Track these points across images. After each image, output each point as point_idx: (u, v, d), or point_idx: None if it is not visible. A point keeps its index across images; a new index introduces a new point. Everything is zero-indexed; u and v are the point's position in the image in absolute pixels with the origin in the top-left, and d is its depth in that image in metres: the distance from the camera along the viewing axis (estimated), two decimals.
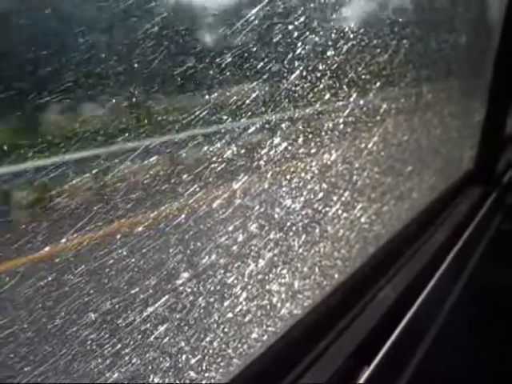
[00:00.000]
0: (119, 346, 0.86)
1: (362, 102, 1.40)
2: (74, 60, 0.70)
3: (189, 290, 0.97)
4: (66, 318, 0.78)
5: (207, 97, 0.90)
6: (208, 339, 1.03)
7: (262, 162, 1.06)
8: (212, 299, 1.02)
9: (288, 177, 1.17)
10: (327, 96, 1.22)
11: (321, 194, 1.29)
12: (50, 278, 0.74)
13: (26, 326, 0.74)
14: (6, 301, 0.72)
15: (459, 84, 2.41)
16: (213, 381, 1.03)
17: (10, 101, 0.64)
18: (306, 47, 1.09)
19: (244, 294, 1.09)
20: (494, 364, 1.68)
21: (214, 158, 0.94)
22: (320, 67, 1.16)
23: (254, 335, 1.15)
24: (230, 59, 0.91)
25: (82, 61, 0.71)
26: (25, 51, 0.66)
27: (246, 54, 0.95)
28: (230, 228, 1.02)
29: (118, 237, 0.83)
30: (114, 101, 0.77)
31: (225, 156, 0.96)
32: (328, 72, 1.19)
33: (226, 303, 1.05)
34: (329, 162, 1.31)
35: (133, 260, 0.86)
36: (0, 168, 0.66)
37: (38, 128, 0.71)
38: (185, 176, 0.90)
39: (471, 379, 1.61)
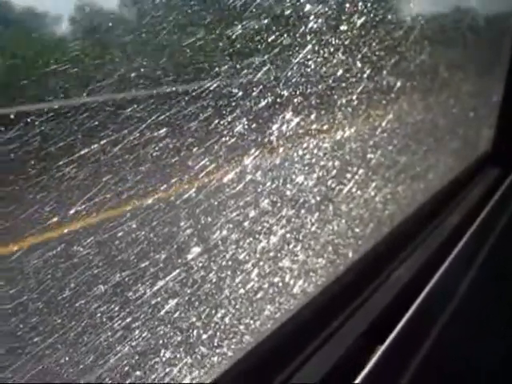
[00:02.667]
0: (129, 319, 0.86)
1: (376, 78, 1.38)
2: None
3: (200, 264, 0.96)
4: (76, 290, 0.78)
5: (217, 69, 0.89)
6: (219, 315, 1.03)
7: (273, 138, 1.05)
8: (223, 275, 1.02)
9: (300, 153, 1.16)
10: (340, 72, 1.21)
11: (334, 172, 1.28)
12: (58, 249, 0.74)
13: (36, 297, 0.74)
14: (16, 270, 0.72)
15: (477, 61, 2.37)
16: (223, 353, 1.03)
17: (17, 69, 0.64)
18: (319, 20, 1.07)
19: (256, 271, 1.09)
20: None
21: (225, 132, 0.93)
22: (333, 42, 1.15)
23: (266, 312, 1.15)
24: (240, 31, 0.90)
25: None
26: None
27: (256, 27, 0.94)
28: (242, 203, 1.02)
29: (128, 209, 0.83)
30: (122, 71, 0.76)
31: (236, 130, 0.95)
32: (341, 47, 1.17)
33: (238, 279, 1.05)
34: (342, 140, 1.30)
35: (143, 233, 0.85)
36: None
37: None
38: (195, 149, 0.90)
39: (488, 361, 1.60)
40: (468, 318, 1.61)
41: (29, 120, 0.66)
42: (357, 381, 1.11)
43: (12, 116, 0.65)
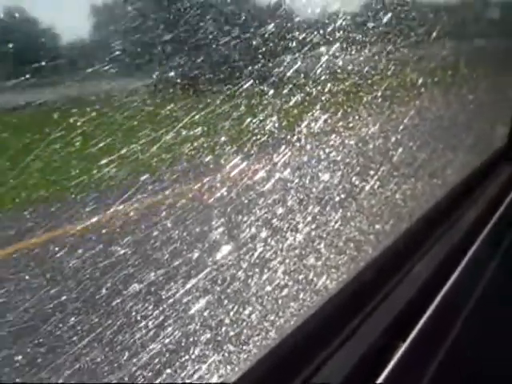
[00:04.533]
0: (162, 317, 0.86)
1: (399, 75, 1.38)
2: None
3: (229, 262, 0.96)
4: (112, 289, 0.78)
5: (250, 68, 0.89)
6: (247, 312, 1.03)
7: (302, 135, 1.05)
8: (251, 272, 1.02)
9: (327, 150, 1.16)
10: (366, 69, 1.20)
11: (358, 169, 1.27)
12: (97, 249, 0.74)
13: (74, 297, 0.74)
14: (56, 271, 0.72)
15: (493, 59, 2.36)
16: (249, 350, 1.03)
17: (59, 68, 0.64)
18: (347, 18, 1.07)
19: (282, 268, 1.09)
20: None
21: (257, 130, 0.93)
22: (360, 39, 1.14)
23: (290, 309, 1.15)
24: (273, 29, 0.90)
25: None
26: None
27: (288, 25, 0.94)
28: (270, 201, 1.02)
29: (163, 208, 0.83)
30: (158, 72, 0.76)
31: (267, 128, 0.95)
32: (367, 44, 1.17)
33: (265, 277, 1.05)
34: (367, 137, 1.29)
35: (176, 232, 0.86)
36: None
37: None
38: (228, 148, 0.90)
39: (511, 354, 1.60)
40: (490, 311, 1.61)
41: (71, 121, 0.66)
42: (380, 378, 1.11)
43: (56, 116, 0.65)
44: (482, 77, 2.22)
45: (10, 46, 0.58)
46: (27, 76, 0.60)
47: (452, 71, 1.85)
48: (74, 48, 0.67)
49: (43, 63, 0.61)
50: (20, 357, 0.70)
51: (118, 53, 0.68)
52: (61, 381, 0.73)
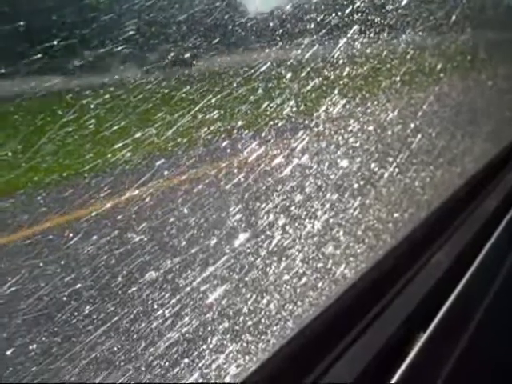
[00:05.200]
0: (179, 306, 0.84)
1: (418, 59, 1.35)
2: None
3: (247, 250, 0.95)
4: (128, 277, 0.76)
5: (267, 50, 0.87)
6: (265, 301, 1.01)
7: (320, 120, 1.03)
8: (269, 261, 1.00)
9: (345, 136, 1.13)
10: (385, 53, 1.18)
11: (376, 155, 1.25)
12: (112, 236, 0.73)
13: (89, 284, 0.72)
14: (70, 258, 0.71)
15: None
16: (267, 340, 1.02)
17: (71, 49, 0.62)
18: (366, 0, 1.05)
19: (300, 256, 1.07)
20: None
21: (274, 115, 0.91)
22: (378, 22, 1.12)
23: (308, 299, 1.14)
24: (290, 10, 0.88)
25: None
26: None
27: (306, 6, 0.91)
28: (288, 188, 1.00)
29: (179, 194, 0.81)
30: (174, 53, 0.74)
31: (284, 112, 0.93)
32: (386, 27, 1.14)
33: (283, 265, 1.03)
34: (385, 123, 1.27)
35: (193, 219, 0.84)
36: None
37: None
38: (245, 132, 0.88)
39: None
40: (510, 302, 1.58)
41: (84, 102, 0.65)
42: (401, 369, 1.09)
43: (68, 98, 0.64)
44: (501, 62, 2.18)
45: (21, 23, 0.57)
46: (38, 56, 0.58)
47: (471, 56, 1.82)
48: (86, 27, 0.65)
49: (54, 42, 0.59)
50: (35, 346, 0.69)
51: (131, 33, 0.66)
52: (77, 370, 0.71)
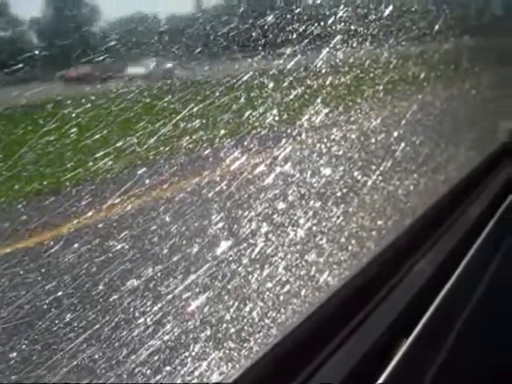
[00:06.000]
0: (161, 313, 0.84)
1: (401, 68, 1.36)
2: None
3: (230, 258, 0.95)
4: (109, 285, 0.77)
5: (249, 60, 0.87)
6: (247, 309, 1.01)
7: (302, 129, 1.04)
8: (252, 268, 1.00)
9: (328, 144, 1.14)
10: (367, 62, 1.19)
11: (360, 163, 1.26)
12: (93, 244, 0.73)
13: (70, 292, 0.72)
14: (51, 266, 0.71)
15: (496, 54, 2.34)
16: (250, 347, 1.02)
17: (53, 59, 0.62)
18: (348, 10, 1.06)
19: (283, 264, 1.07)
20: None
21: (257, 124, 0.92)
22: (361, 31, 1.13)
23: (291, 306, 1.14)
24: (272, 20, 0.88)
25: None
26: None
27: (288, 16, 0.92)
28: (271, 196, 1.00)
29: (161, 202, 0.81)
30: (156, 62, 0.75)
31: (267, 121, 0.93)
32: (369, 37, 1.15)
33: (266, 272, 1.04)
34: (369, 131, 1.28)
35: (175, 226, 0.84)
36: None
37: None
38: (227, 141, 0.88)
39: None
40: (493, 308, 1.59)
41: (66, 112, 0.65)
42: (384, 375, 1.09)
43: (49, 107, 0.64)
44: (484, 71, 2.20)
45: (2, 34, 0.57)
46: (20, 65, 0.58)
47: (454, 65, 1.83)
48: (67, 37, 0.66)
49: (36, 52, 0.60)
50: (15, 354, 0.69)
51: (113, 42, 0.67)
52: (56, 378, 0.71)
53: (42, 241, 0.69)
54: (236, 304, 0.99)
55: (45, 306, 0.70)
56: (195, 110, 0.80)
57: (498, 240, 1.84)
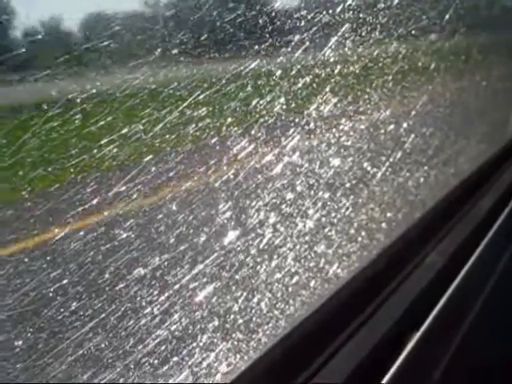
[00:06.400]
0: (168, 303, 0.84)
1: (411, 58, 1.35)
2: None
3: (238, 248, 0.94)
4: (116, 274, 0.76)
5: (257, 47, 0.86)
6: (256, 300, 1.01)
7: (311, 118, 1.03)
8: (260, 259, 1.00)
9: (337, 134, 1.13)
10: (377, 51, 1.18)
11: (369, 155, 1.25)
12: (99, 232, 0.72)
13: (76, 280, 0.72)
14: (56, 253, 0.70)
15: (509, 46, 2.32)
16: (258, 338, 1.01)
17: (58, 44, 0.62)
18: None
19: (292, 255, 1.07)
20: None
21: (264, 112, 0.91)
22: (370, 20, 1.12)
23: (300, 298, 1.13)
24: (280, 7, 0.88)
25: None
26: None
27: (296, 3, 0.91)
28: (279, 185, 1.00)
29: (167, 190, 0.81)
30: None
31: (274, 110, 0.92)
32: (378, 26, 1.14)
33: (274, 263, 1.03)
34: (378, 122, 1.27)
35: (182, 216, 0.84)
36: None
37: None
38: (234, 129, 0.87)
39: None
40: (504, 301, 1.58)
41: (70, 97, 0.64)
42: (393, 368, 1.09)
43: (54, 93, 0.63)
44: (496, 63, 2.18)
45: (6, 17, 0.56)
46: (23, 50, 0.58)
47: (465, 56, 1.82)
48: (72, 22, 0.65)
49: (39, 36, 0.59)
50: (20, 342, 0.68)
51: (118, 28, 0.66)
52: (64, 367, 0.71)
53: (47, 230, 0.69)
54: (244, 295, 0.98)
55: (50, 294, 0.69)
56: (201, 97, 0.79)
57: (510, 232, 1.82)
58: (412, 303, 1.31)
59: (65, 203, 0.68)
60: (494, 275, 1.60)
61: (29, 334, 0.69)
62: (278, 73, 0.92)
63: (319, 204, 1.12)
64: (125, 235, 0.76)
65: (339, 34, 1.04)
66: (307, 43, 0.95)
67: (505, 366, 1.47)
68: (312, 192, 1.09)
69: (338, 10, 1.03)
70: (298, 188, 1.05)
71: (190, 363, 0.90)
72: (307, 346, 1.09)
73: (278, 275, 1.04)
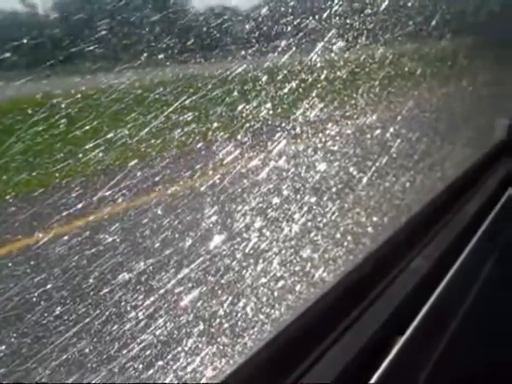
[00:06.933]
0: (153, 308, 0.84)
1: (397, 64, 1.36)
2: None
3: (223, 252, 0.94)
4: (100, 278, 0.76)
5: (243, 52, 0.86)
6: (241, 304, 1.01)
7: (297, 123, 1.03)
8: (245, 263, 1.00)
9: (323, 139, 1.13)
10: (363, 57, 1.18)
11: (355, 159, 1.25)
12: (83, 236, 0.72)
13: (60, 285, 0.72)
14: (40, 258, 0.70)
15: (494, 52, 2.34)
16: (244, 343, 1.01)
17: (43, 48, 0.62)
18: (344, 3, 1.05)
19: (277, 259, 1.07)
20: None
21: (250, 117, 0.91)
22: (357, 26, 1.12)
23: (286, 302, 1.13)
24: (267, 12, 0.88)
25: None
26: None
27: (282, 9, 0.91)
28: (265, 190, 1.00)
29: (153, 195, 0.81)
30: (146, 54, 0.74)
31: (261, 115, 0.93)
32: (365, 31, 1.15)
33: (260, 268, 1.03)
34: (364, 127, 1.27)
35: (167, 220, 0.83)
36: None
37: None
38: (220, 134, 0.87)
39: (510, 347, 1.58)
40: (489, 305, 1.59)
41: (55, 102, 0.64)
42: (378, 372, 1.09)
43: (38, 97, 0.63)
44: (481, 68, 2.20)
45: None
46: (7, 55, 0.57)
47: (451, 62, 1.83)
48: (57, 26, 0.65)
49: (24, 41, 0.59)
50: (4, 346, 0.68)
51: (104, 32, 0.66)
52: (48, 372, 0.71)
53: (30, 233, 0.69)
54: (230, 299, 0.98)
55: (34, 299, 0.69)
56: (187, 102, 0.79)
57: (495, 237, 1.83)
58: (397, 307, 1.31)
59: (49, 208, 0.68)
60: (478, 280, 1.60)
61: (12, 339, 0.69)
62: (265, 78, 0.92)
63: (305, 208, 1.12)
64: (110, 240, 0.76)
65: (326, 39, 1.04)
66: (294, 48, 0.95)
67: (489, 369, 1.48)
68: (298, 196, 1.09)
69: (325, 15, 1.03)
70: (284, 192, 1.05)
71: (174, 367, 0.90)
72: (293, 350, 1.09)
73: (264, 279, 1.04)
